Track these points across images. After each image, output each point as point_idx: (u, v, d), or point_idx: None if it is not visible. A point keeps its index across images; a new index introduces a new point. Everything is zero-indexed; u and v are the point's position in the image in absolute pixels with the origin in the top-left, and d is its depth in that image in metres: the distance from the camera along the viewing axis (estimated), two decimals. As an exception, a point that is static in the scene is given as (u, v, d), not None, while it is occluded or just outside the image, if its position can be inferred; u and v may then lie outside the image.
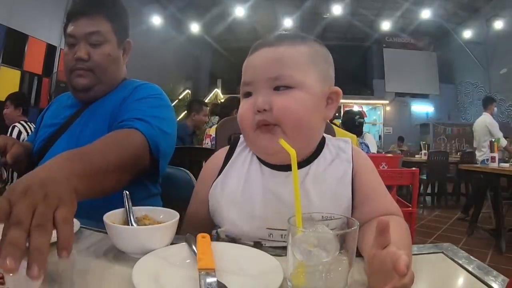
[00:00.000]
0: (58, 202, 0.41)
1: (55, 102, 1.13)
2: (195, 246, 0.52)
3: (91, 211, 0.62)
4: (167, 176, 1.03)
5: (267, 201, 0.58)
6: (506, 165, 3.20)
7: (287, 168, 0.56)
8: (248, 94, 0.60)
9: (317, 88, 0.58)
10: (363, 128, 3.56)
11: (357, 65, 11.41)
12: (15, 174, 1.24)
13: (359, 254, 0.50)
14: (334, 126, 1.84)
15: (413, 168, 2.79)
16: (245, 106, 0.59)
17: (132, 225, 0.59)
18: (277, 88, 0.57)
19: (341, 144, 0.65)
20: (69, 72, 0.97)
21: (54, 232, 0.39)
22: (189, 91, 9.69)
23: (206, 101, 4.58)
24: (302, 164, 0.60)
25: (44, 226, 0.37)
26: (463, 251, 0.59)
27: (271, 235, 0.58)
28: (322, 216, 0.47)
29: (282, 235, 0.57)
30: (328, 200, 0.59)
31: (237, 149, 0.68)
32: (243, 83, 0.60)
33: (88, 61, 0.94)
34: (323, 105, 0.60)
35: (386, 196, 0.61)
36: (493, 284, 0.47)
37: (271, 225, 0.58)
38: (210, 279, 0.43)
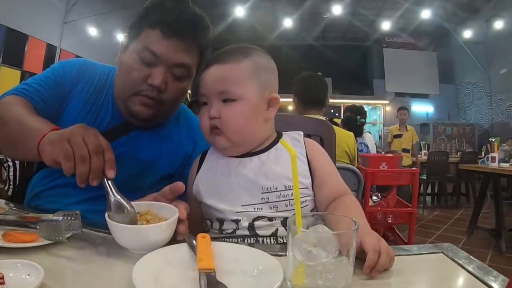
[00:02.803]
0: (95, 134, 0.61)
1: (87, 75, 0.88)
2: (195, 246, 0.52)
3: (92, 213, 0.66)
4: None
5: (238, 183, 0.70)
6: (506, 165, 3.20)
7: (249, 155, 0.72)
8: (204, 103, 0.72)
9: (256, 97, 0.70)
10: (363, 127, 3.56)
11: (357, 65, 11.40)
12: (16, 173, 1.20)
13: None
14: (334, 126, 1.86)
15: (413, 168, 2.79)
16: (203, 113, 0.72)
17: (115, 197, 0.59)
18: (224, 100, 0.69)
19: (295, 135, 0.78)
20: (131, 92, 0.78)
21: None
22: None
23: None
24: (259, 151, 0.73)
25: (96, 152, 0.59)
26: (463, 251, 0.59)
27: (244, 207, 0.68)
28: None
29: (255, 208, 0.68)
30: (288, 169, 0.68)
31: (210, 150, 0.79)
32: (200, 94, 0.73)
33: (163, 92, 0.77)
34: (264, 109, 0.72)
35: (338, 178, 0.75)
36: (493, 284, 0.47)
37: (245, 201, 0.69)
38: (210, 279, 0.43)
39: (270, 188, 0.68)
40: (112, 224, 0.54)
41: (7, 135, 0.74)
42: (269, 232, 0.68)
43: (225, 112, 0.69)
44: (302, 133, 0.78)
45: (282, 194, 0.68)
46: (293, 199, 0.66)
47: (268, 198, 0.68)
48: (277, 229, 0.68)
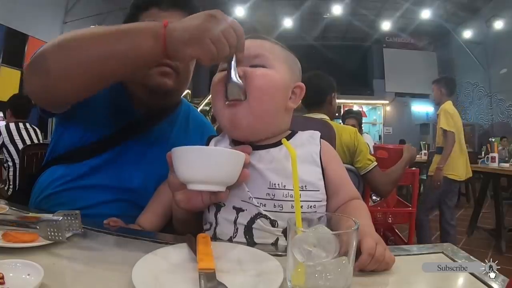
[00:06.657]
0: (229, 25, 0.60)
1: None
2: (195, 247, 0.52)
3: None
4: None
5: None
6: (506, 165, 3.20)
7: (259, 148, 0.67)
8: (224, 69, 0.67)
9: (285, 75, 0.68)
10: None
11: (357, 65, 11.42)
12: (16, 173, 1.19)
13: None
14: (332, 123, 1.85)
15: (413, 168, 2.79)
16: (218, 77, 0.67)
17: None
18: (255, 65, 0.66)
19: (311, 134, 0.74)
20: (147, 68, 0.81)
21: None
22: (189, 91, 9.67)
23: (206, 101, 4.57)
24: (271, 145, 0.68)
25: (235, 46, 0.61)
26: (463, 251, 0.59)
27: (251, 198, 0.63)
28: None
29: (258, 202, 0.63)
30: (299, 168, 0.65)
31: (216, 139, 0.75)
32: (223, 62, 0.68)
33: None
34: (287, 95, 0.69)
35: (351, 184, 0.72)
36: (493, 284, 0.47)
37: (247, 194, 0.64)
38: (210, 280, 0.43)
39: (278, 184, 0.63)
40: (180, 150, 0.55)
41: (94, 54, 0.64)
42: (269, 240, 0.63)
43: (254, 71, 0.64)
44: (319, 133, 0.75)
45: (290, 194, 0.62)
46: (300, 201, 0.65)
47: (274, 195, 0.63)
48: (277, 239, 0.63)
